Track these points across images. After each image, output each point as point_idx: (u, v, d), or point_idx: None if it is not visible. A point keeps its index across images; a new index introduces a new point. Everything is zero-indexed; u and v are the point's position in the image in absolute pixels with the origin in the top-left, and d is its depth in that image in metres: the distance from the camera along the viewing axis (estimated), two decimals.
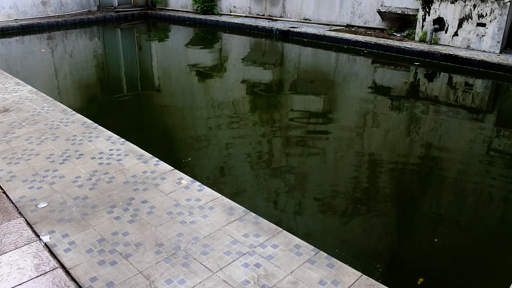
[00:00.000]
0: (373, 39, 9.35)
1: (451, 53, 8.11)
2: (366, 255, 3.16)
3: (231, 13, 13.16)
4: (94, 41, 11.38)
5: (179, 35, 12.47)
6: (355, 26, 10.82)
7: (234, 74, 8.18)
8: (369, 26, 10.58)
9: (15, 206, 3.13)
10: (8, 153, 3.97)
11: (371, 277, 2.46)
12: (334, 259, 2.59)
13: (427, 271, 3.02)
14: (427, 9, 8.88)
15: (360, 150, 4.90)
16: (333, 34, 10.02)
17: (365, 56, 8.98)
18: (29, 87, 5.95)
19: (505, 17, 7.96)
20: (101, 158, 3.87)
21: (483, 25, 8.24)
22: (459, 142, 5.14)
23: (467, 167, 4.56)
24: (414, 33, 9.35)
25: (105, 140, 4.25)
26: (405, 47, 8.65)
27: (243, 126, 5.56)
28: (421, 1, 8.95)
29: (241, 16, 12.89)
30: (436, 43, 8.89)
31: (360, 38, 9.51)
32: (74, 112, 5.03)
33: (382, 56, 8.86)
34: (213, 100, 6.62)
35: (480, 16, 8.20)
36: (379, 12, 10.04)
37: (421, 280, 2.85)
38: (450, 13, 8.57)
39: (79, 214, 3.03)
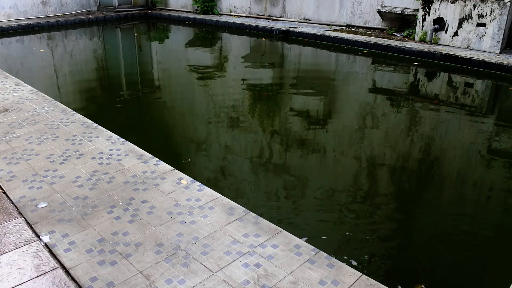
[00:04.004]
0: (373, 39, 9.35)
1: (451, 53, 8.11)
2: (366, 255, 3.16)
3: (231, 13, 13.16)
4: (94, 41, 11.38)
5: (179, 35, 12.47)
6: (355, 26, 10.82)
7: (234, 74, 8.18)
8: (369, 26, 10.58)
9: (15, 206, 3.13)
10: (8, 153, 3.97)
11: (371, 277, 2.46)
12: (334, 259, 2.59)
13: (427, 271, 3.02)
14: (427, 9, 8.88)
15: (361, 150, 4.90)
16: (333, 34, 10.02)
17: (365, 56, 8.98)
18: (29, 87, 5.95)
19: (505, 17, 7.96)
20: (101, 158, 3.87)
21: (483, 25, 8.24)
22: (459, 141, 5.14)
23: (467, 167, 4.56)
24: (414, 33, 9.35)
25: (105, 140, 4.25)
26: (405, 47, 8.65)
27: (243, 126, 5.56)
28: (421, 1, 8.95)
29: (241, 16, 12.89)
30: (436, 43, 8.89)
31: (360, 38, 9.51)
32: (74, 112, 5.03)
33: (382, 56, 8.86)
34: (213, 100, 6.62)
35: (480, 16, 8.21)
36: (379, 12, 10.04)
37: (419, 286, 2.85)
38: (450, 13, 8.57)
39: (79, 214, 3.03)
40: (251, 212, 3.05)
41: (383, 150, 4.90)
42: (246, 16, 12.80)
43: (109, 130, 4.50)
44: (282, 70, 8.51)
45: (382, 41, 9.21)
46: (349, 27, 10.84)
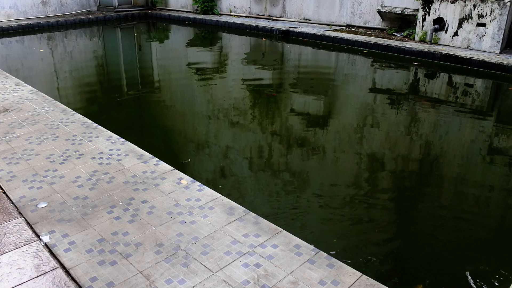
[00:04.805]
0: (373, 39, 9.35)
1: (451, 53, 8.11)
2: (366, 255, 3.16)
3: (231, 13, 13.16)
4: (94, 41, 11.38)
5: (179, 35, 12.47)
6: (355, 26, 10.82)
7: (234, 74, 8.18)
8: (369, 26, 10.58)
9: (15, 206, 3.13)
10: (8, 153, 3.97)
11: (371, 277, 2.46)
12: (334, 259, 2.59)
13: (427, 271, 3.02)
14: (427, 9, 8.88)
15: (361, 150, 4.90)
16: (333, 34, 10.02)
17: (365, 56, 8.98)
18: (29, 87, 5.95)
19: (505, 17, 7.96)
20: (101, 158, 3.87)
21: (483, 25, 8.24)
22: (459, 141, 5.14)
23: (467, 167, 4.56)
24: (414, 33, 9.35)
25: (105, 140, 4.25)
26: (405, 47, 8.65)
27: (243, 126, 5.56)
28: (421, 1, 8.95)
29: (241, 16, 12.89)
30: (436, 43, 8.89)
31: (360, 38, 9.51)
32: (74, 112, 5.03)
33: (382, 56, 8.86)
34: (213, 100, 6.62)
35: (480, 16, 8.21)
36: (379, 12, 10.04)
37: (419, 286, 2.85)
38: (450, 13, 8.57)
39: (79, 214, 3.03)
40: (251, 212, 3.05)
41: (383, 150, 4.90)
42: (246, 16, 12.80)
43: (109, 130, 4.50)
44: (282, 70, 8.51)
45: (382, 41, 9.21)
46: (349, 27, 10.84)
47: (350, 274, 2.48)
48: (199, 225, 2.91)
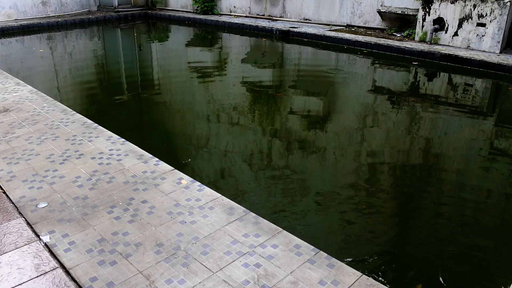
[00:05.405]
0: (373, 39, 9.35)
1: (451, 53, 8.11)
2: (366, 255, 3.16)
3: (231, 13, 13.16)
4: (94, 41, 11.38)
5: (179, 35, 12.47)
6: (355, 26, 10.82)
7: (234, 74, 8.18)
8: (369, 26, 10.59)
9: (15, 206, 3.13)
10: (8, 153, 3.97)
11: (371, 277, 2.46)
12: (334, 259, 2.59)
13: (427, 271, 3.02)
14: (427, 9, 8.88)
15: (360, 150, 4.90)
16: (333, 34, 10.02)
17: (365, 56, 8.98)
18: (29, 87, 5.95)
19: (505, 17, 7.96)
20: (101, 158, 3.87)
21: (483, 25, 8.24)
22: (459, 141, 5.14)
23: (467, 167, 4.56)
24: (414, 33, 9.35)
25: (105, 140, 4.25)
26: (405, 47, 8.65)
27: (243, 126, 5.56)
28: (421, 1, 8.95)
29: (241, 16, 12.89)
30: (436, 43, 8.89)
31: (360, 38, 9.51)
32: (74, 112, 5.03)
33: (382, 56, 8.86)
34: (213, 100, 6.62)
35: (480, 16, 8.21)
36: (379, 12, 10.04)
37: (419, 286, 2.85)
38: (450, 13, 8.57)
39: (79, 214, 3.03)
40: (251, 212, 3.05)
41: (383, 151, 4.90)
42: (246, 16, 12.80)
43: (109, 130, 4.50)
44: (282, 70, 8.51)
45: (382, 41, 9.21)
46: (349, 27, 10.84)
47: (350, 274, 2.48)
48: (199, 225, 2.91)
